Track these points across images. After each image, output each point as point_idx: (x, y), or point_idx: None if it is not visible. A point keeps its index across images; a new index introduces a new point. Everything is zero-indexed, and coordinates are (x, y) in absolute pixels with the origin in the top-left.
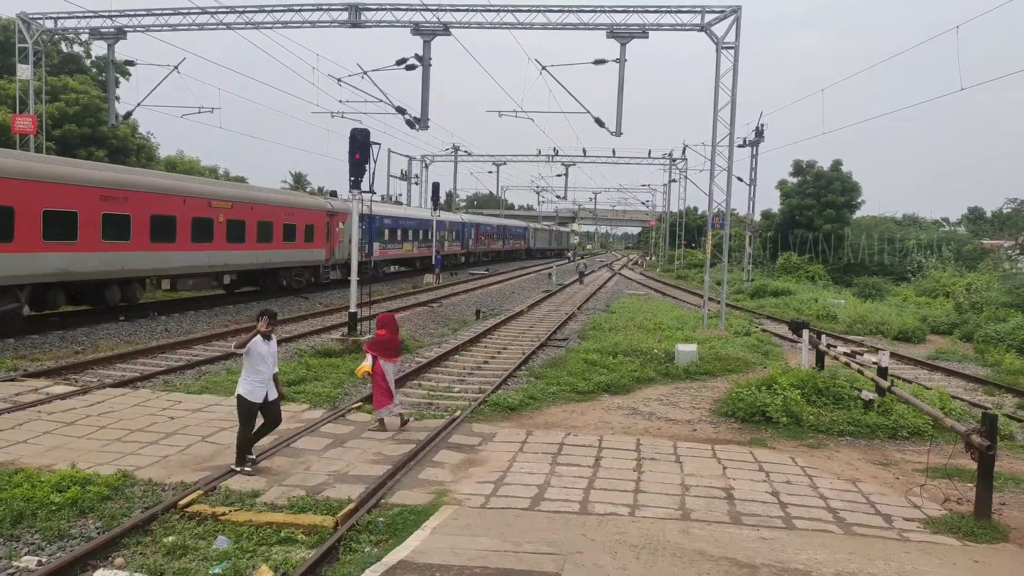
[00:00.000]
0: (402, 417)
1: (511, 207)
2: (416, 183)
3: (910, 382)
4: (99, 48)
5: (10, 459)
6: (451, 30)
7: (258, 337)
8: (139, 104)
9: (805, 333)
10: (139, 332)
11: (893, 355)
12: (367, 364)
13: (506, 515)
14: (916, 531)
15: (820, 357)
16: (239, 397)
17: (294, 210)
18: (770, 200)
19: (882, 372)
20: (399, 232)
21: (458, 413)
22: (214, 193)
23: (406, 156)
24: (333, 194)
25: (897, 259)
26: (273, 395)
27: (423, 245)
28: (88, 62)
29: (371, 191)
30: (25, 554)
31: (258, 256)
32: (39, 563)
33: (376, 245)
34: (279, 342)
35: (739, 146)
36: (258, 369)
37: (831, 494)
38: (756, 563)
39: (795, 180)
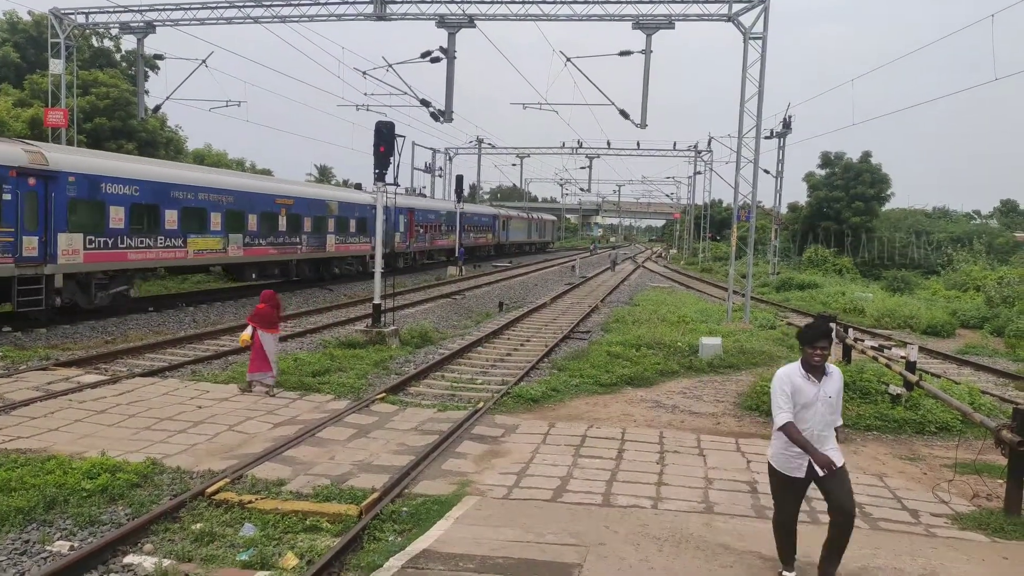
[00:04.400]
0: (271, 389)
1: (534, 199)
2: (440, 176)
3: (939, 377)
4: (129, 42)
5: (43, 446)
6: (476, 22)
7: (796, 373)
8: (168, 98)
9: (832, 326)
10: (167, 323)
11: (922, 349)
12: (246, 334)
13: (528, 506)
14: (944, 527)
15: (847, 351)
16: (769, 464)
17: None
18: (797, 192)
19: (910, 366)
20: (170, 215)
21: (481, 405)
22: None
23: (430, 149)
24: (358, 186)
25: (927, 252)
26: (838, 461)
27: (267, 239)
28: (118, 56)
29: (396, 183)
30: (58, 539)
31: None
32: (71, 548)
33: (67, 238)
34: (304, 334)
35: (766, 138)
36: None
37: (857, 489)
38: None
39: (823, 172)
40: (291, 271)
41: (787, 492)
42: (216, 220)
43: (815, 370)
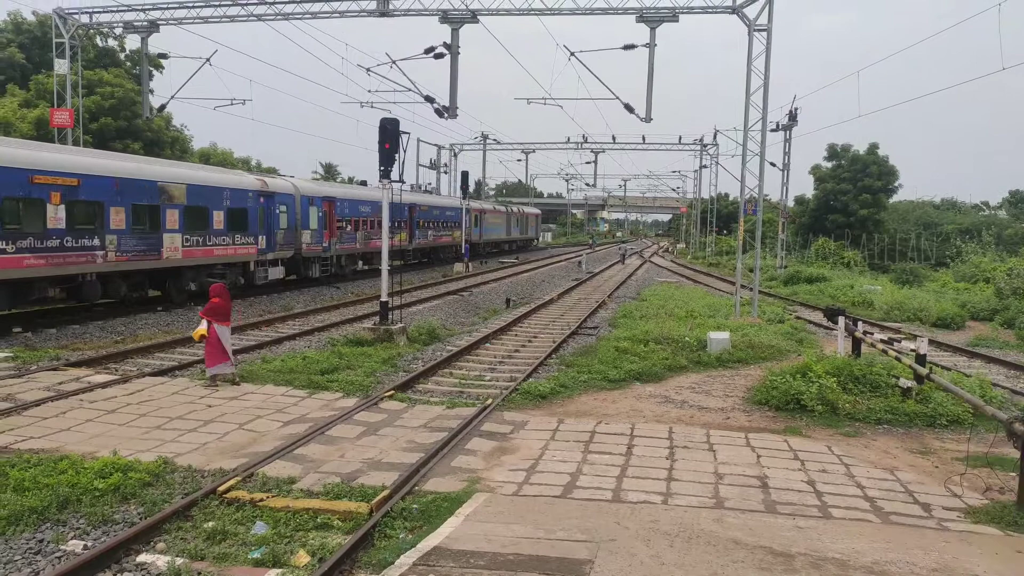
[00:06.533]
0: (234, 377)
1: (540, 195)
2: (445, 172)
3: (949, 369)
4: (133, 42)
5: (55, 446)
6: (479, 17)
7: None
8: (172, 97)
9: (841, 320)
10: (176, 322)
11: (931, 342)
12: (203, 328)
13: (539, 502)
14: (956, 520)
15: (856, 344)
16: None
17: None
18: (803, 185)
19: (920, 359)
20: None
21: (490, 401)
22: None
23: (435, 145)
24: (363, 183)
25: (935, 244)
26: None
27: (18, 242)
28: (122, 56)
29: (401, 180)
30: (72, 538)
31: None
32: (85, 547)
33: None
34: (312, 332)
35: (772, 130)
36: None
37: (868, 483)
38: (792, 552)
39: (829, 164)
40: (88, 291)
41: None
42: None
43: None
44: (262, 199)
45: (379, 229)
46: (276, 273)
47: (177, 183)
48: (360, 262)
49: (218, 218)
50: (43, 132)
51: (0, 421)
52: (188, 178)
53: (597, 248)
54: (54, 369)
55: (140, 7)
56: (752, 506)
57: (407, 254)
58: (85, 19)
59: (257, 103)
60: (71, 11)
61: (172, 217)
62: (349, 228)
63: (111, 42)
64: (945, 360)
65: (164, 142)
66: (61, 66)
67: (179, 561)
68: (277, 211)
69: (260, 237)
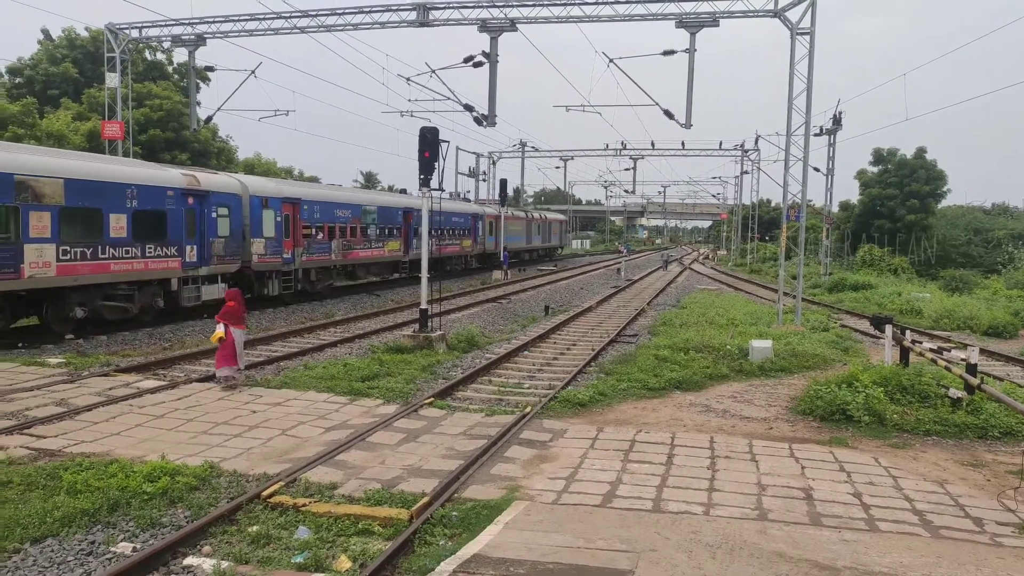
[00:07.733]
0: (238, 382)
1: (578, 202)
2: (484, 180)
3: (1001, 379)
4: (180, 55)
5: (105, 450)
6: (518, 26)
7: None
8: (219, 108)
9: (888, 328)
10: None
11: (983, 351)
12: (220, 331)
13: (578, 511)
14: (1010, 536)
15: (904, 353)
16: None
17: None
18: (849, 191)
19: (971, 369)
20: None
21: (528, 409)
22: None
23: (474, 153)
24: (403, 191)
25: (986, 250)
26: None
27: None
28: (170, 68)
29: (440, 188)
30: (121, 540)
31: None
32: (134, 549)
33: None
34: (352, 339)
35: (815, 135)
36: None
37: (917, 496)
38: (837, 565)
39: (875, 169)
40: None
41: None
42: None
43: None
44: (191, 199)
45: (361, 237)
46: (213, 292)
47: (48, 177)
48: (341, 276)
49: (117, 223)
50: (95, 144)
51: (54, 425)
52: (67, 170)
53: (632, 256)
54: (105, 375)
55: (188, 21)
56: (796, 518)
57: (402, 266)
58: (135, 34)
59: (300, 114)
60: (122, 26)
61: (40, 222)
62: (320, 236)
63: (159, 55)
64: (997, 370)
65: (210, 152)
66: (112, 80)
67: (224, 564)
68: (214, 215)
69: (188, 248)
